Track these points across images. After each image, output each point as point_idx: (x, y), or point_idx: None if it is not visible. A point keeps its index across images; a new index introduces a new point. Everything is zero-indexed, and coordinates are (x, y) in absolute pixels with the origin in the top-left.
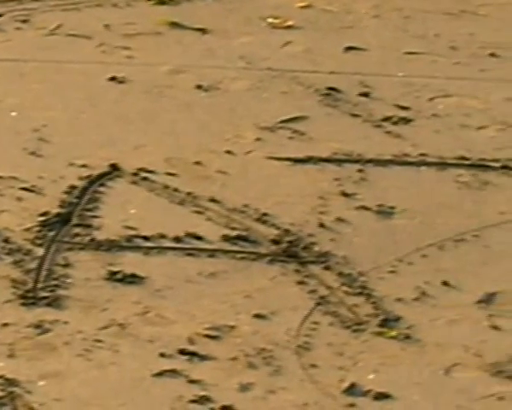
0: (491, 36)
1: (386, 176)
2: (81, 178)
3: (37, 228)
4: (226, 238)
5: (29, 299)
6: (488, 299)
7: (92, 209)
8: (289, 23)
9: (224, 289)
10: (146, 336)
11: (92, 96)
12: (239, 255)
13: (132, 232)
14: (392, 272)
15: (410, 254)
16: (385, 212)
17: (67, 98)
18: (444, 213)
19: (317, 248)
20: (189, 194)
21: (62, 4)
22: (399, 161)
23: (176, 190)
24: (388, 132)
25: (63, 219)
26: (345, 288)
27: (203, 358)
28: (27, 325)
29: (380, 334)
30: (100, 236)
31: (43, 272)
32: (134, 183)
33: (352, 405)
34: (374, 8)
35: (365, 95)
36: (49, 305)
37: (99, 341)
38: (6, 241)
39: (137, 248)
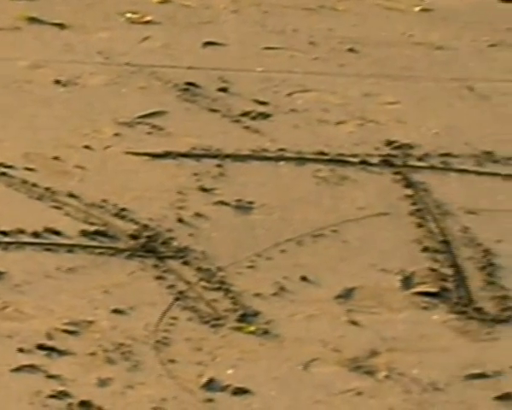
0: (350, 31)
1: (245, 171)
2: None
3: None
4: (84, 233)
5: None
6: (346, 294)
7: None
8: (147, 18)
9: (83, 285)
10: (4, 331)
11: None
12: (97, 250)
13: None
14: (250, 267)
15: (269, 249)
16: (243, 207)
17: None
18: (302, 209)
19: (175, 244)
20: (47, 189)
21: None
22: (258, 156)
23: (34, 185)
24: (247, 127)
25: None
26: (203, 283)
27: (61, 353)
28: None
29: (238, 329)
30: None
31: None
32: None
33: (210, 400)
34: (232, 4)
35: (224, 90)
36: None
37: None
38: None
39: None
